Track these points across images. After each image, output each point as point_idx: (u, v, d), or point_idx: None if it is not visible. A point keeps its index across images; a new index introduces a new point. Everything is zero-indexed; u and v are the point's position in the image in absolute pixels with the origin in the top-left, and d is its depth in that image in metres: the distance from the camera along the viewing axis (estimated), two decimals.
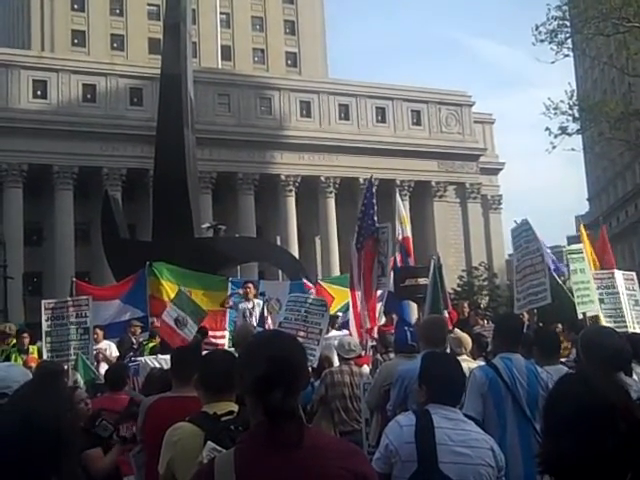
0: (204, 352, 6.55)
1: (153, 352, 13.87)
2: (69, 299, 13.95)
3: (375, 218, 13.69)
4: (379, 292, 13.66)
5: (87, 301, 13.37)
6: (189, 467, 4.38)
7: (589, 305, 11.79)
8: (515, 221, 11.86)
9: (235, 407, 4.57)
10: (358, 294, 13.45)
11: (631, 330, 10.80)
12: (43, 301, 13.79)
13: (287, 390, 2.86)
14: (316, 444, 2.89)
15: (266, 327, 14.25)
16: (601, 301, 12.20)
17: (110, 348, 15.11)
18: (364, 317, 13.04)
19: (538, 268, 10.88)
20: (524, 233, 11.39)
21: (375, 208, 13.86)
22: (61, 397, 3.37)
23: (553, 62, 38.78)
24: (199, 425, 4.46)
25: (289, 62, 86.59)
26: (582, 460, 2.25)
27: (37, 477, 2.48)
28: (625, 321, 11.92)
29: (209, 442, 4.21)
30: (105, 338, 15.40)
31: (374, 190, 14.67)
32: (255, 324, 14.82)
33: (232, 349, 10.37)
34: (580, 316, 11.61)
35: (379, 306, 13.75)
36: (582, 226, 15.38)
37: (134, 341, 15.29)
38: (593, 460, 2.24)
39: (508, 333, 6.76)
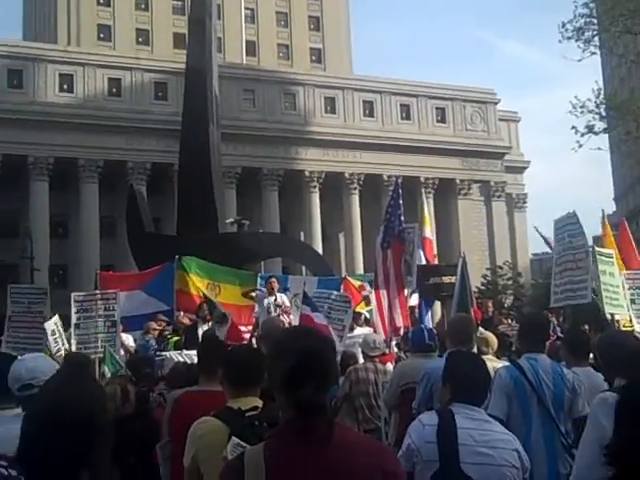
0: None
1: (177, 347, 13.94)
2: (97, 292, 14.08)
3: (402, 218, 13.71)
4: (405, 291, 13.71)
5: (115, 295, 13.52)
6: (213, 461, 4.41)
7: (618, 309, 11.66)
8: (561, 217, 11.70)
9: (259, 402, 4.59)
10: (383, 292, 13.48)
11: None
12: (73, 294, 13.90)
13: (318, 385, 2.84)
14: (345, 441, 2.87)
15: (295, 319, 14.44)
16: (632, 302, 12.08)
17: (128, 340, 15.19)
18: (397, 316, 13.07)
19: (581, 265, 10.70)
20: (569, 227, 11.18)
21: (402, 209, 13.89)
22: (91, 388, 3.39)
23: (580, 60, 38.33)
24: (224, 420, 4.48)
25: (313, 58, 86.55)
26: None
27: (68, 468, 2.47)
28: None
29: (233, 437, 4.22)
30: (125, 330, 15.51)
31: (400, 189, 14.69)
32: (282, 317, 15.01)
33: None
34: (608, 316, 11.49)
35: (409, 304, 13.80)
36: (607, 223, 15.12)
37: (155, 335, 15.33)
38: None
39: (533, 333, 6.68)
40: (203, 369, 5.61)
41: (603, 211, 15.79)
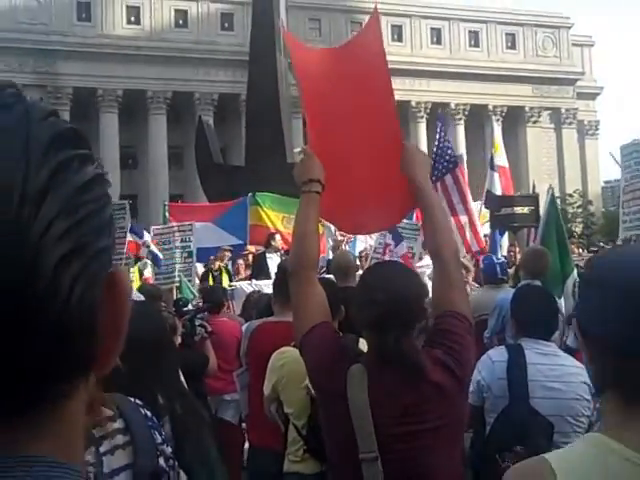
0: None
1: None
2: (175, 225, 14.46)
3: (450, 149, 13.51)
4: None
5: (191, 226, 13.91)
6: (294, 390, 4.56)
7: None
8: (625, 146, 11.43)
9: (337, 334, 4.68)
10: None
11: None
12: (152, 227, 14.42)
13: (400, 333, 2.88)
14: (437, 381, 2.92)
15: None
16: None
17: (198, 270, 15.46)
18: (472, 241, 13.04)
19: None
20: (635, 154, 10.97)
21: (448, 137, 13.68)
22: (158, 317, 3.57)
23: None
24: None
25: None
26: None
27: (141, 388, 2.56)
28: None
29: None
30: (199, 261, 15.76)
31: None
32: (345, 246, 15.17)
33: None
34: None
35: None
36: None
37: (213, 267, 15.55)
38: None
39: None
40: (278, 299, 5.67)
41: None
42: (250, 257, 15.67)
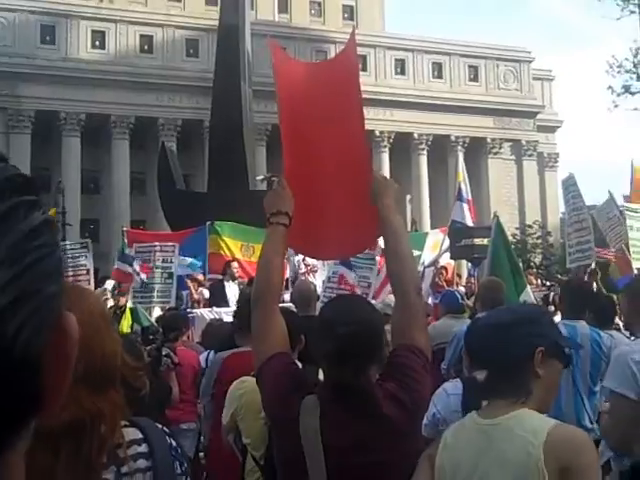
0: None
1: None
2: (157, 244, 14.15)
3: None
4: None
5: (174, 247, 13.53)
6: (252, 420, 4.57)
7: None
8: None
9: (298, 364, 4.69)
10: None
11: None
12: (135, 245, 14.08)
13: (357, 368, 2.90)
14: (390, 415, 2.92)
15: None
16: None
17: None
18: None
19: (584, 225, 10.83)
20: (571, 188, 11.32)
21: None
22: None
23: (618, 19, 37.76)
24: None
25: (346, 15, 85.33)
26: None
27: None
28: None
29: None
30: None
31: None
32: (309, 276, 15.11)
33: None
34: (635, 272, 11.54)
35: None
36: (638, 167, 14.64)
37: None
38: None
39: (575, 299, 6.63)
40: (243, 329, 5.61)
41: (632, 160, 15.36)
42: (196, 285, 15.42)
